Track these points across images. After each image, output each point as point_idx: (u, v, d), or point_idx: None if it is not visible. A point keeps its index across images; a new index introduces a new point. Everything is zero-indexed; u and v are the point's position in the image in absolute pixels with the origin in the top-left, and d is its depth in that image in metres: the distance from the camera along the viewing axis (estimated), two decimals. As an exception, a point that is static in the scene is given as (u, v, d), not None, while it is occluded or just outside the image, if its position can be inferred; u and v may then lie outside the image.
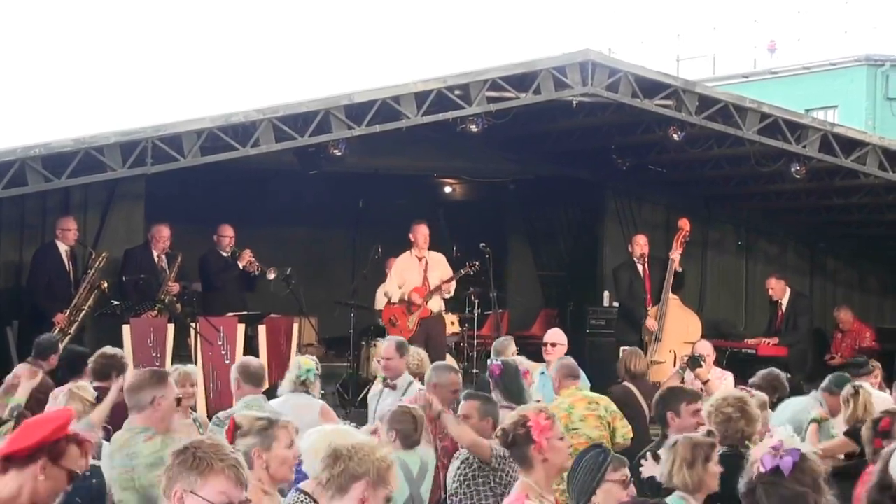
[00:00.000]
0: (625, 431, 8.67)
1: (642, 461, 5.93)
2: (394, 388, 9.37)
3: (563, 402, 8.72)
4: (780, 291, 14.90)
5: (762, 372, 9.35)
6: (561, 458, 5.40)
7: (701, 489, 5.29)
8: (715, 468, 5.32)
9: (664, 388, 7.47)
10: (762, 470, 4.05)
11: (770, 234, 16.98)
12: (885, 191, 14.63)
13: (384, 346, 9.58)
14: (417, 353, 10.21)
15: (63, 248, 12.41)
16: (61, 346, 10.62)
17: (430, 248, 13.57)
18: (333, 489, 4.04)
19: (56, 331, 11.81)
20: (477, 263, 13.64)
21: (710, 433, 5.69)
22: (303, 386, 8.36)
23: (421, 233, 13.41)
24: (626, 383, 9.92)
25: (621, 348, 11.84)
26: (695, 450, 5.32)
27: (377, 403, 9.12)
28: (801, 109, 17.12)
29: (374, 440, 4.29)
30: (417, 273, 13.43)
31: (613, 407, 8.80)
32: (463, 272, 13.65)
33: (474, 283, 14.54)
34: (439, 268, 13.53)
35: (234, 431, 4.75)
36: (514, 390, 8.07)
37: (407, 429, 6.68)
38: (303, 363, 8.43)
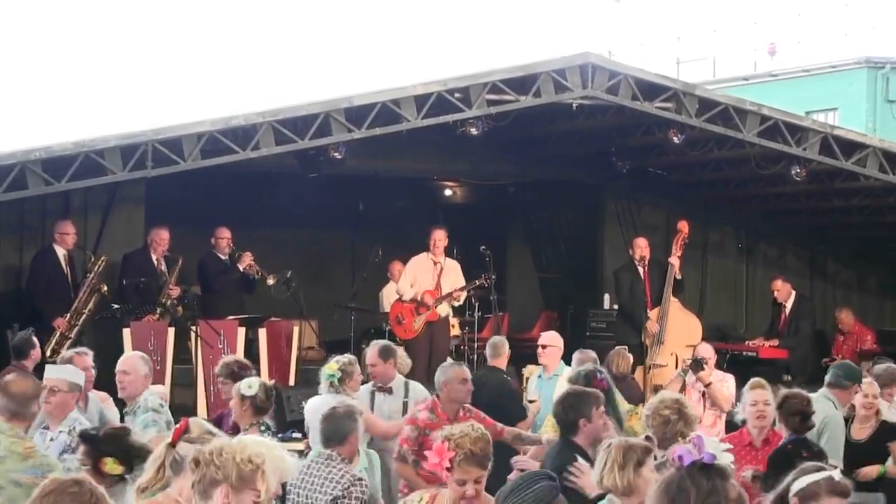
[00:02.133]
0: None
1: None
2: (389, 391, 9.37)
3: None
4: (785, 294, 14.88)
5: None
6: None
7: (632, 493, 5.12)
8: (649, 474, 5.09)
9: (570, 393, 6.91)
10: (694, 458, 3.53)
11: (770, 236, 16.98)
12: (885, 193, 14.63)
13: (367, 353, 9.59)
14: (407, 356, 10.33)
15: (61, 251, 12.38)
16: (63, 351, 10.61)
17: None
18: (197, 495, 4.06)
19: (57, 335, 11.83)
20: (493, 277, 13.71)
21: (647, 438, 5.58)
22: (332, 387, 8.77)
23: (439, 237, 13.55)
24: None
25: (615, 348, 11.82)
26: (628, 453, 5.18)
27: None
28: (802, 112, 17.10)
29: (251, 442, 4.13)
30: (431, 276, 13.53)
31: None
32: (478, 283, 13.73)
33: (477, 287, 14.56)
34: (453, 275, 13.64)
35: (183, 432, 4.76)
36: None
37: None
38: (326, 369, 8.91)
